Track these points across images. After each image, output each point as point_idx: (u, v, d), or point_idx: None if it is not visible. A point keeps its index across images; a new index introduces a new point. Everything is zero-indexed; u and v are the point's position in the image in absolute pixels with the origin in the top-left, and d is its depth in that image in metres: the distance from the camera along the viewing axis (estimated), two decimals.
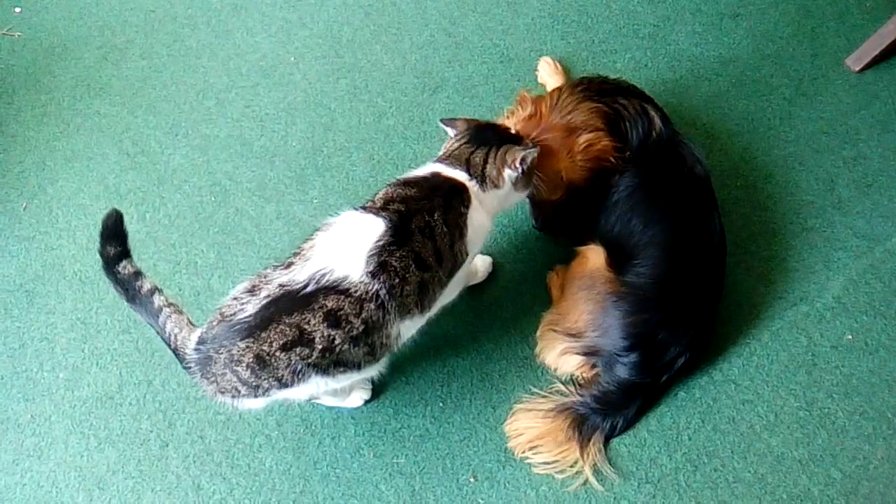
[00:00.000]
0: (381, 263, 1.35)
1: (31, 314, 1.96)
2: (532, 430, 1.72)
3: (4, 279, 2.01)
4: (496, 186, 1.55)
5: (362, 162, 2.14)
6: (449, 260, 1.48)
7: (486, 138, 1.58)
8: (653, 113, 1.77)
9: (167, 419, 1.80)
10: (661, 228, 1.71)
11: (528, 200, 1.86)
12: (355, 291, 1.32)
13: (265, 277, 1.38)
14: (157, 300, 1.43)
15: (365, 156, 2.15)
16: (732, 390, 1.78)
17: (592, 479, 1.67)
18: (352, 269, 1.34)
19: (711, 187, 1.79)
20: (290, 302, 1.31)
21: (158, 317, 1.41)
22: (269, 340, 1.30)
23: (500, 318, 1.89)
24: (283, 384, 1.35)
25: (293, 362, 1.32)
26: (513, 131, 1.66)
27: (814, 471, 1.68)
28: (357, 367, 1.41)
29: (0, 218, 2.11)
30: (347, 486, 1.70)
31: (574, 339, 1.74)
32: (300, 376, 1.34)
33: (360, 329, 1.33)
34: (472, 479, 1.70)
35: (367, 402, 1.77)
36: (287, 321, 1.30)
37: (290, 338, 1.30)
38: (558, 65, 2.20)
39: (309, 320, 1.30)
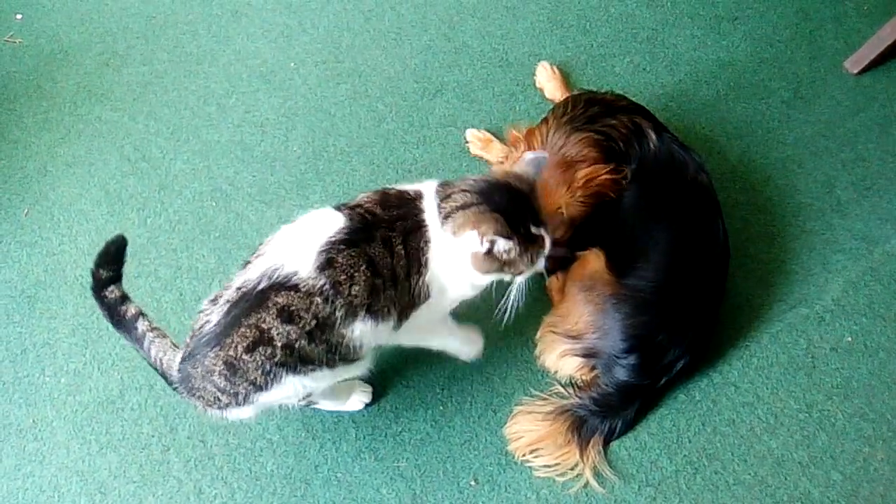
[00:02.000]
0: (329, 259, 1.33)
1: (32, 319, 1.96)
2: (532, 432, 1.72)
3: (6, 284, 2.02)
4: (452, 234, 1.38)
5: (362, 166, 2.15)
6: (405, 288, 1.40)
7: (490, 197, 1.38)
8: (645, 126, 1.78)
9: (168, 424, 1.80)
10: (664, 233, 1.72)
11: None
12: (304, 287, 1.31)
13: (227, 285, 1.39)
14: (141, 325, 1.45)
15: (365, 160, 2.16)
16: (732, 393, 1.78)
17: (593, 482, 1.67)
18: (302, 265, 1.32)
19: (715, 194, 1.79)
20: (247, 303, 1.31)
21: (143, 342, 1.43)
22: (233, 345, 1.30)
23: (500, 321, 1.89)
24: (258, 387, 1.35)
25: (260, 363, 1.31)
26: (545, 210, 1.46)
27: (814, 473, 1.69)
28: (325, 364, 1.39)
29: (2, 224, 2.12)
30: (349, 490, 1.71)
31: (574, 340, 1.75)
32: (272, 377, 1.34)
33: (313, 324, 1.31)
34: (472, 483, 1.70)
35: (367, 405, 1.77)
36: (246, 323, 1.30)
37: (251, 339, 1.30)
38: (556, 70, 2.21)
39: (265, 319, 1.30)
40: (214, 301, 1.37)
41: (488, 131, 2.13)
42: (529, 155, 1.46)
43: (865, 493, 1.65)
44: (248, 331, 1.30)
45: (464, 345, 1.74)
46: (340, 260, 1.33)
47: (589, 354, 1.73)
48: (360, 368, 1.71)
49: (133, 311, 1.46)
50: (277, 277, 1.31)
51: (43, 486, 1.75)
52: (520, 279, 1.46)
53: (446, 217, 1.38)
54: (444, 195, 1.41)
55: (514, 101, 2.23)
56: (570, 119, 1.76)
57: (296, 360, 1.34)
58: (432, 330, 1.63)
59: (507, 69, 2.29)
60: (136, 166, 2.19)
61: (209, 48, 2.40)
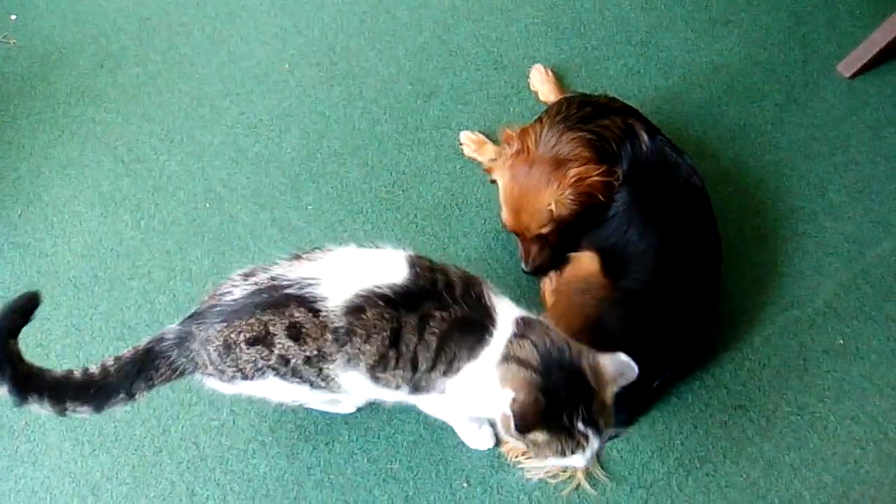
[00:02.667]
0: (359, 307, 1.26)
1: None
2: None
3: None
4: (497, 378, 1.26)
5: (356, 168, 2.15)
6: (424, 377, 1.31)
7: (552, 380, 1.23)
8: (637, 128, 1.78)
9: (161, 425, 1.80)
10: (658, 237, 1.71)
11: (518, 242, 1.88)
12: (323, 316, 1.26)
13: (266, 265, 1.36)
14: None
15: (359, 162, 2.16)
16: (724, 395, 1.79)
17: (585, 484, 1.67)
18: (335, 296, 1.27)
19: (708, 198, 1.80)
20: (270, 298, 1.28)
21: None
22: (238, 330, 1.29)
23: None
24: (244, 376, 1.33)
25: (253, 359, 1.30)
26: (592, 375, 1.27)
27: (805, 475, 1.69)
28: (311, 386, 1.37)
29: None
30: (341, 492, 1.71)
31: None
32: (260, 373, 1.32)
33: (314, 353, 1.28)
34: (465, 485, 1.71)
35: (359, 408, 1.78)
36: (259, 316, 1.28)
37: (255, 334, 1.28)
38: (550, 72, 2.22)
39: (275, 323, 1.27)
40: (246, 277, 1.34)
41: (482, 133, 2.14)
42: (623, 357, 1.27)
43: (856, 495, 1.66)
44: (256, 324, 1.28)
45: (472, 437, 1.73)
46: (369, 314, 1.26)
47: None
48: (346, 406, 1.73)
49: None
50: (307, 292, 1.27)
51: (35, 487, 1.75)
52: (548, 463, 1.34)
53: (504, 359, 1.26)
54: (519, 333, 1.28)
55: (508, 103, 2.23)
56: (564, 118, 1.77)
57: (286, 371, 1.33)
58: (443, 415, 1.57)
59: (501, 72, 2.29)
60: (129, 168, 2.19)
61: (203, 50, 2.40)
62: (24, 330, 1.92)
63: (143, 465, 1.76)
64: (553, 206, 1.70)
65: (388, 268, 1.31)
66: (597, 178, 1.69)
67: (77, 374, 1.33)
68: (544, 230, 1.76)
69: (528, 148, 1.74)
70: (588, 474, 1.68)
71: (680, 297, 1.68)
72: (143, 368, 1.35)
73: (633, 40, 2.33)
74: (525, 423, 1.19)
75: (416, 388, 1.35)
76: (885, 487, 1.66)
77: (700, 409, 1.77)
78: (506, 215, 1.79)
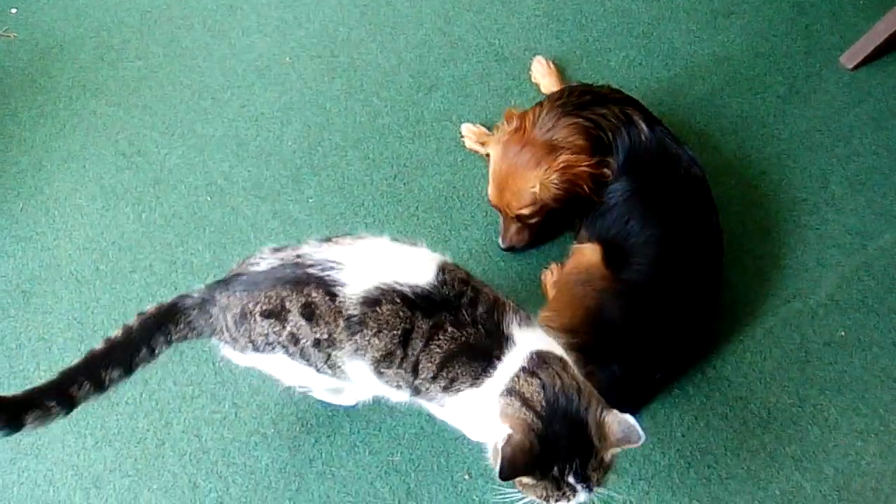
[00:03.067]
0: (376, 300, 1.24)
1: (27, 314, 1.96)
2: None
3: (1, 279, 2.01)
4: (497, 410, 1.23)
5: (358, 161, 2.15)
6: (423, 383, 1.30)
7: (554, 429, 1.18)
8: (636, 117, 1.78)
9: (164, 418, 1.80)
10: (660, 229, 1.71)
11: (500, 218, 1.90)
12: (339, 301, 1.26)
13: (296, 246, 1.36)
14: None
15: (360, 155, 2.16)
16: (726, 387, 1.79)
17: None
18: (354, 283, 1.26)
19: (709, 188, 1.80)
20: (292, 274, 1.29)
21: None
22: (257, 301, 1.29)
23: None
24: (254, 347, 1.34)
25: (265, 331, 1.30)
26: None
27: (806, 467, 1.69)
28: (317, 369, 1.37)
29: None
30: (343, 484, 1.71)
31: (570, 335, 1.74)
32: (269, 347, 1.33)
33: (324, 336, 1.28)
34: (467, 477, 1.71)
35: (359, 402, 1.78)
36: (278, 290, 1.28)
37: (271, 307, 1.28)
38: (551, 64, 2.21)
39: (292, 300, 1.27)
40: (276, 251, 1.35)
41: (483, 126, 2.13)
42: (631, 420, 1.20)
43: (857, 486, 1.66)
44: (275, 297, 1.28)
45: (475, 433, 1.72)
46: (384, 309, 1.24)
47: (584, 349, 1.73)
48: (348, 398, 1.73)
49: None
50: (328, 275, 1.27)
51: (38, 480, 1.76)
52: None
53: (508, 393, 1.22)
54: (529, 369, 1.23)
55: (509, 95, 2.23)
56: (563, 104, 1.78)
57: (295, 351, 1.33)
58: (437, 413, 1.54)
59: (502, 64, 2.29)
60: (131, 161, 2.19)
61: (204, 42, 2.39)
62: (26, 324, 1.94)
63: (145, 457, 1.76)
64: (536, 189, 1.72)
65: (415, 268, 1.29)
66: (585, 168, 1.70)
67: (99, 345, 1.35)
68: (524, 211, 1.78)
69: (524, 128, 1.76)
70: None
71: (681, 288, 1.68)
72: (164, 323, 1.36)
73: (635, 32, 2.32)
74: (512, 468, 1.14)
75: (417, 392, 1.34)
76: (886, 479, 1.66)
77: (701, 400, 1.77)
78: (491, 190, 1.82)
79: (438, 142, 2.16)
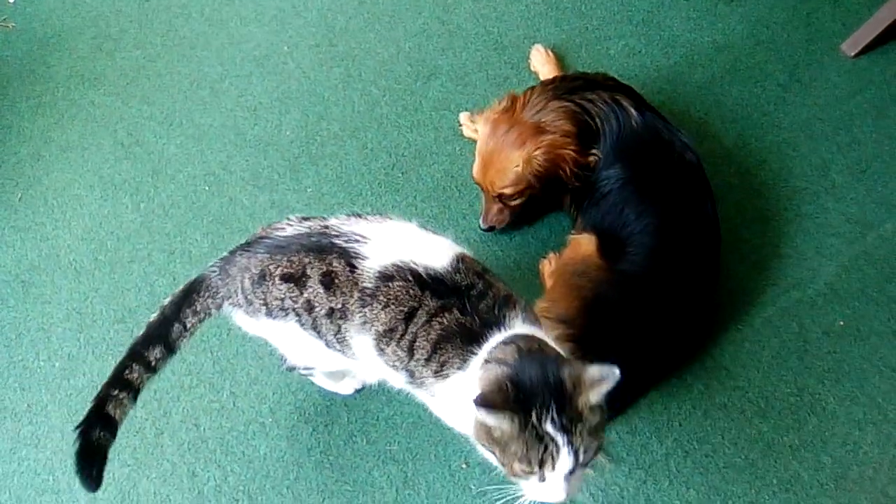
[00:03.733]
0: (391, 276, 1.26)
1: (27, 304, 1.97)
2: None
3: (0, 269, 2.02)
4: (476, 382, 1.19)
5: (356, 151, 2.14)
6: (417, 367, 1.29)
7: (527, 375, 1.13)
8: (626, 103, 1.77)
9: (162, 407, 1.81)
10: (655, 217, 1.71)
11: (482, 198, 1.90)
12: (357, 273, 1.27)
13: (324, 217, 1.37)
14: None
15: (358, 144, 2.15)
16: (724, 376, 1.79)
17: None
18: (374, 258, 1.28)
19: (703, 173, 1.79)
20: (318, 242, 1.30)
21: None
22: (278, 265, 1.30)
23: None
24: (268, 310, 1.34)
25: (282, 296, 1.31)
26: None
27: (804, 456, 1.69)
28: (325, 342, 1.37)
29: None
30: (341, 473, 1.72)
31: (566, 325, 1.75)
32: (283, 313, 1.34)
33: (339, 306, 1.29)
34: (464, 466, 1.71)
35: (358, 391, 1.78)
36: (301, 256, 1.29)
37: (291, 271, 1.30)
38: (550, 53, 2.20)
39: (314, 266, 1.29)
40: (303, 220, 1.37)
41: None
42: (605, 364, 1.14)
43: (854, 475, 1.66)
44: (297, 262, 1.29)
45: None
46: (396, 285, 1.26)
47: (581, 339, 1.73)
48: (346, 387, 1.75)
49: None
50: (352, 247, 1.28)
51: (38, 469, 1.77)
52: (523, 490, 1.20)
53: (486, 362, 1.19)
54: (509, 340, 1.21)
55: (508, 84, 2.21)
56: (554, 88, 1.79)
57: (308, 320, 1.34)
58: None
59: (501, 52, 2.27)
60: (129, 151, 2.19)
61: (202, 32, 2.39)
62: (25, 313, 1.95)
63: (144, 446, 1.77)
64: (520, 167, 1.72)
65: (433, 252, 1.30)
66: (570, 151, 1.71)
67: (140, 332, 1.40)
68: (507, 190, 1.79)
69: (514, 109, 1.77)
70: None
71: (678, 277, 1.68)
72: (189, 294, 1.40)
73: (635, 20, 2.31)
74: (485, 398, 1.09)
75: (412, 377, 1.33)
76: (883, 468, 1.66)
77: (699, 390, 1.77)
78: (476, 167, 1.83)
79: (437, 131, 2.16)
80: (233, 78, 2.29)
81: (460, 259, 1.30)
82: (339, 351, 1.39)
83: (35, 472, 1.76)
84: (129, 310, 1.94)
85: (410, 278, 1.26)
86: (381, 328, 1.28)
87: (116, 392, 1.36)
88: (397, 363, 1.32)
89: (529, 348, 1.18)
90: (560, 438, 1.09)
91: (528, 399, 1.10)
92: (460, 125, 2.14)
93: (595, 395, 1.13)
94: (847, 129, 2.10)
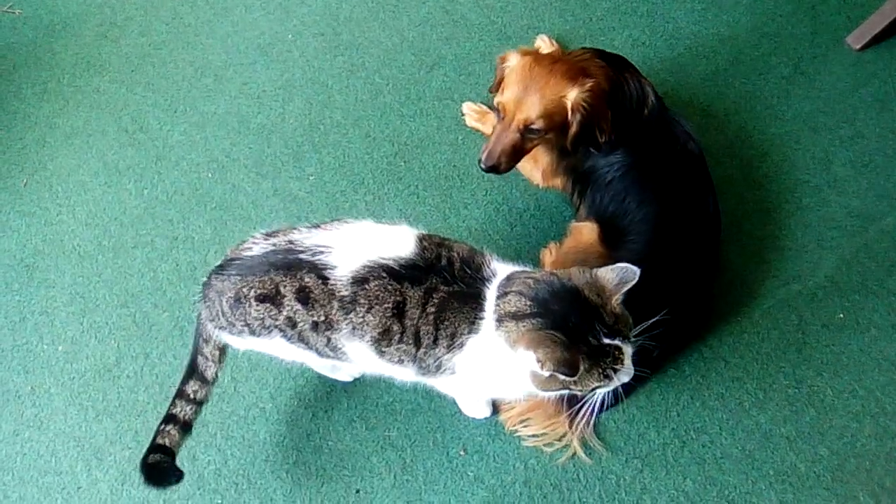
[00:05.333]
0: (364, 278, 1.27)
1: (31, 288, 1.99)
2: (523, 403, 1.73)
3: (5, 254, 2.04)
4: (508, 344, 1.23)
5: (359, 139, 2.15)
6: (428, 351, 1.31)
7: (548, 306, 1.20)
8: (648, 88, 1.77)
9: (164, 392, 1.82)
10: (656, 206, 1.71)
11: (491, 132, 1.78)
12: (331, 284, 1.28)
13: (288, 229, 1.38)
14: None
15: (361, 133, 2.16)
16: (722, 367, 1.79)
17: (580, 453, 1.68)
18: (344, 265, 1.29)
19: (705, 164, 1.79)
20: (285, 259, 1.31)
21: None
22: (251, 286, 1.31)
23: None
24: (251, 331, 1.36)
25: (261, 316, 1.33)
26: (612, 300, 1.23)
27: (801, 447, 1.70)
28: (317, 352, 1.39)
29: (1, 194, 2.14)
30: (339, 458, 1.73)
31: None
32: (266, 331, 1.35)
33: (321, 318, 1.30)
34: (462, 453, 1.72)
35: (356, 378, 1.79)
36: (272, 275, 1.30)
37: (265, 291, 1.31)
38: (555, 43, 2.20)
39: (286, 284, 1.30)
40: (268, 237, 1.37)
41: (485, 104, 2.13)
42: (621, 264, 1.24)
43: (851, 467, 1.66)
44: (269, 283, 1.30)
45: (470, 407, 1.74)
46: (372, 285, 1.27)
47: None
48: (344, 375, 1.76)
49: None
50: (319, 259, 1.29)
51: (41, 451, 1.79)
52: (599, 392, 1.30)
53: (499, 321, 1.23)
54: (502, 291, 1.26)
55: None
56: (596, 51, 1.77)
57: (293, 334, 1.35)
58: (448, 388, 1.57)
59: (505, 42, 2.27)
60: (133, 137, 2.20)
61: (207, 19, 2.39)
62: (29, 297, 1.96)
63: (145, 430, 1.78)
64: (569, 101, 1.64)
65: (396, 242, 1.31)
66: (605, 105, 1.67)
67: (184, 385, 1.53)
68: (538, 123, 1.66)
69: (558, 52, 1.73)
70: (584, 443, 1.69)
71: (678, 267, 1.68)
72: (198, 323, 1.49)
73: (639, 11, 2.30)
74: (571, 364, 1.14)
75: (425, 369, 1.35)
76: (880, 461, 1.66)
77: (697, 380, 1.78)
78: (509, 91, 1.69)
79: (439, 120, 2.16)
80: (237, 66, 2.30)
81: (421, 238, 1.33)
82: (335, 357, 1.40)
83: (38, 454, 1.78)
84: (131, 295, 1.95)
85: (384, 275, 1.27)
86: (374, 333, 1.29)
87: (164, 426, 1.51)
88: (404, 357, 1.33)
89: (528, 285, 1.23)
90: (617, 341, 1.20)
91: (576, 332, 1.18)
92: (463, 115, 2.14)
93: (621, 296, 1.22)
94: (850, 123, 2.10)
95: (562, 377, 1.18)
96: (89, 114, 2.25)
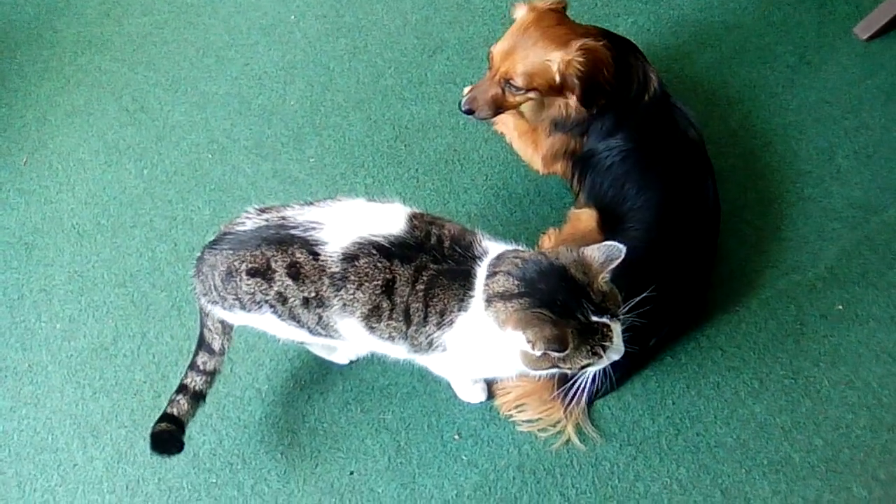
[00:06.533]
0: (354, 255, 1.27)
1: (29, 266, 1.99)
2: (519, 388, 1.73)
3: (4, 231, 2.04)
4: (496, 324, 1.23)
5: (359, 122, 2.14)
6: (419, 328, 1.31)
7: (535, 285, 1.21)
8: (652, 74, 1.76)
9: (160, 371, 1.83)
10: (655, 193, 1.70)
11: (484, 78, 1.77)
12: (321, 260, 1.28)
13: (281, 207, 1.38)
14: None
15: (362, 116, 2.15)
16: (719, 356, 1.78)
17: (574, 439, 1.68)
18: (334, 241, 1.29)
19: (705, 151, 1.78)
20: (277, 234, 1.31)
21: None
22: (242, 260, 1.32)
23: None
24: (242, 305, 1.37)
25: (252, 290, 1.33)
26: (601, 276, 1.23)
27: (796, 438, 1.69)
28: (308, 329, 1.39)
29: (1, 171, 2.14)
30: (334, 440, 1.74)
31: None
32: (257, 306, 1.36)
33: (311, 294, 1.30)
34: (456, 437, 1.73)
35: (352, 361, 1.79)
36: (263, 250, 1.31)
37: (256, 266, 1.31)
38: None
39: (277, 259, 1.30)
40: (261, 212, 1.38)
41: None
42: (607, 242, 1.25)
43: (846, 458, 1.66)
44: (260, 257, 1.31)
45: (465, 391, 1.74)
46: (362, 262, 1.27)
47: None
48: (341, 357, 1.76)
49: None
50: (310, 235, 1.30)
51: (37, 427, 1.80)
52: (590, 370, 1.30)
53: (488, 302, 1.24)
54: (491, 270, 1.26)
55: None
56: (604, 31, 1.75)
57: (283, 310, 1.35)
58: (441, 369, 1.56)
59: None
60: (134, 117, 2.20)
61: None
62: (28, 275, 1.96)
63: (141, 408, 1.79)
64: (554, 64, 1.63)
65: (387, 219, 1.32)
66: (608, 59, 1.65)
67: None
68: (518, 80, 1.67)
69: (564, 18, 1.70)
70: (578, 429, 1.69)
71: (676, 254, 1.67)
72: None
73: None
74: (560, 340, 1.15)
75: (417, 346, 1.35)
76: (874, 452, 1.66)
77: (693, 369, 1.77)
78: (500, 43, 1.71)
79: (441, 104, 2.15)
80: (239, 46, 2.29)
81: (412, 217, 1.33)
82: (326, 335, 1.41)
83: (34, 431, 1.79)
84: (130, 274, 1.95)
85: (374, 252, 1.27)
86: (364, 309, 1.29)
87: (175, 396, 1.57)
88: (394, 334, 1.33)
89: (515, 265, 1.23)
90: (606, 318, 1.21)
91: (566, 311, 1.18)
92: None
93: (607, 274, 1.23)
94: (855, 114, 2.08)
95: (552, 355, 1.18)
96: (90, 93, 2.25)
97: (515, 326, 1.18)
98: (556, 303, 1.19)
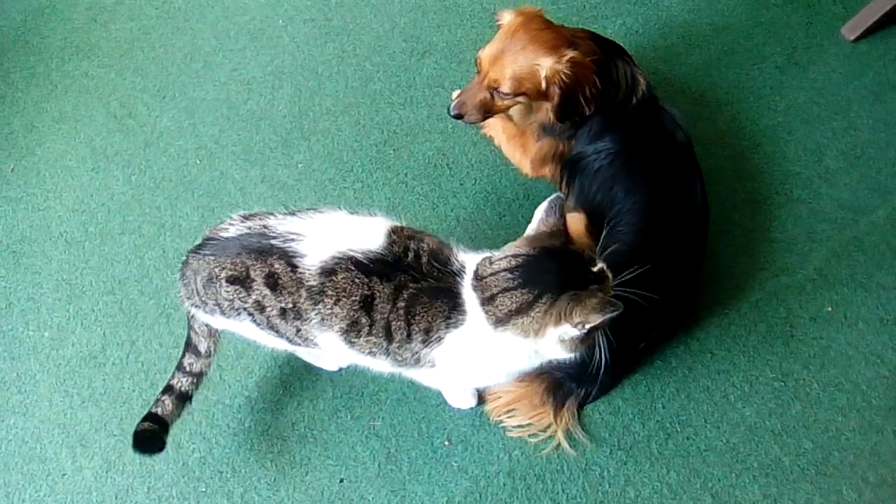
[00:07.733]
0: (332, 269, 1.27)
1: (17, 274, 1.98)
2: (509, 393, 1.73)
3: None
4: (525, 336, 1.24)
5: (348, 126, 2.13)
6: (402, 345, 1.30)
7: (541, 280, 1.21)
8: (640, 77, 1.76)
9: (149, 379, 1.82)
10: (643, 195, 1.70)
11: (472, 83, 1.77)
12: (300, 272, 1.28)
13: (266, 214, 1.38)
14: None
15: (351, 120, 2.14)
16: (709, 360, 1.78)
17: (565, 444, 1.68)
18: (313, 254, 1.29)
19: (693, 153, 1.78)
20: (257, 243, 1.31)
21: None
22: (223, 266, 1.32)
23: None
24: (221, 311, 1.37)
25: (231, 297, 1.33)
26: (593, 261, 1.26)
27: (786, 441, 1.69)
28: (287, 340, 1.39)
29: None
30: (324, 447, 1.73)
31: None
32: (236, 313, 1.36)
33: (289, 306, 1.30)
34: (446, 443, 1.72)
35: (341, 368, 1.79)
36: (243, 258, 1.30)
37: (236, 273, 1.31)
38: None
39: (256, 269, 1.30)
40: (245, 219, 1.38)
41: None
42: (544, 203, 1.28)
43: (835, 461, 1.66)
44: (240, 265, 1.31)
45: (455, 397, 1.74)
46: (340, 277, 1.26)
47: None
48: (329, 364, 1.76)
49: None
50: (289, 247, 1.29)
51: (25, 437, 1.79)
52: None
53: (501, 323, 1.22)
54: (484, 295, 1.24)
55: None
56: (592, 35, 1.74)
57: (262, 320, 1.35)
58: (429, 381, 1.54)
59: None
60: (122, 123, 2.19)
61: (197, 4, 2.37)
62: (16, 283, 1.95)
63: (130, 417, 1.78)
64: (543, 70, 1.63)
65: (366, 234, 1.31)
66: (592, 76, 1.65)
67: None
68: (506, 86, 1.67)
69: (551, 22, 1.69)
70: (568, 434, 1.69)
71: (665, 256, 1.67)
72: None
73: None
74: (610, 303, 1.19)
75: (403, 362, 1.34)
76: (864, 454, 1.66)
77: (683, 373, 1.77)
78: (491, 47, 1.70)
79: (430, 108, 2.14)
80: (227, 51, 2.28)
81: (391, 231, 1.32)
82: (307, 346, 1.40)
83: (23, 440, 1.78)
84: (118, 281, 1.94)
85: (352, 267, 1.27)
86: (343, 324, 1.29)
87: (161, 396, 1.58)
88: (375, 349, 1.33)
89: (517, 278, 1.22)
90: (602, 266, 1.25)
91: (579, 281, 1.21)
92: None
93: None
94: (844, 114, 2.08)
95: (601, 321, 1.19)
96: (78, 99, 2.24)
97: (556, 322, 1.19)
98: (567, 279, 1.20)
